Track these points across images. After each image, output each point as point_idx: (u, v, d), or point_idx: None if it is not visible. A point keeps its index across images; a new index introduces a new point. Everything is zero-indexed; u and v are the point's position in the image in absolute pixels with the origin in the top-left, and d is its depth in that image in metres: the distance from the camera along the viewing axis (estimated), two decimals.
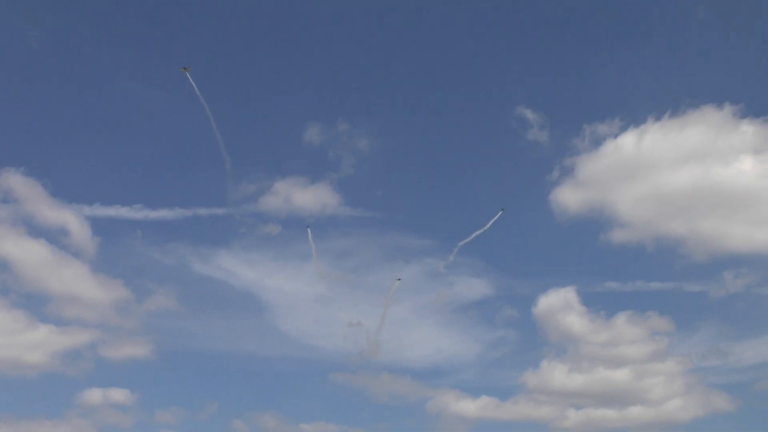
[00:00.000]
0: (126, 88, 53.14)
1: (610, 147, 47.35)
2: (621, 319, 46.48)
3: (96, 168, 50.93)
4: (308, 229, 43.57)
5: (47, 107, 52.14)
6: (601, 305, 47.60)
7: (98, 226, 45.92)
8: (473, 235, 43.74)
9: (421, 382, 45.57)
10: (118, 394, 43.01)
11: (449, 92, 54.55)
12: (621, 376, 45.47)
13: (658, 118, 47.08)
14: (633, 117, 48.69)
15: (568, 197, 47.46)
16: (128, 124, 53.20)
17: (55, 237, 45.89)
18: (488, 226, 43.15)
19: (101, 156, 51.68)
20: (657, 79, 51.36)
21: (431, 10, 55.54)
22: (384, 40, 55.10)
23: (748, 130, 45.93)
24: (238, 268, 47.28)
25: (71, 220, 45.71)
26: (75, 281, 45.89)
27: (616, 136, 47.19)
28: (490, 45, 54.86)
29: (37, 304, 45.80)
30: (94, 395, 42.90)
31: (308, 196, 46.30)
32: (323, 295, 47.27)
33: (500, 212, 43.21)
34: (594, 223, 47.89)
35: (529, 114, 49.32)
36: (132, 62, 53.71)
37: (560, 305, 47.20)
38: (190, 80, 37.06)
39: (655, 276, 48.86)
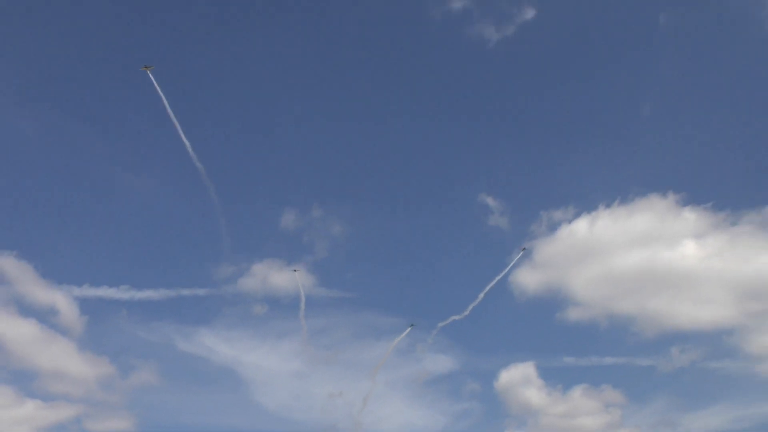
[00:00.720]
0: (114, 176, 56.17)
1: (564, 232, 50.93)
2: (577, 392, 49.46)
3: (85, 251, 53.92)
4: (301, 305, 46.00)
5: (39, 194, 54.97)
6: (558, 379, 50.75)
7: (86, 305, 48.94)
8: (451, 319, 46.58)
9: None
10: None
11: (416, 181, 57.94)
12: None
13: (608, 206, 50.70)
14: (586, 204, 51.71)
15: (527, 278, 50.46)
16: (115, 211, 56.02)
17: (45, 316, 48.83)
18: (467, 311, 46.23)
19: (90, 240, 54.73)
20: (607, 170, 54.93)
21: (399, 109, 59.33)
22: (355, 135, 58.65)
23: (690, 216, 50.39)
24: (218, 345, 50.12)
25: (60, 300, 48.81)
26: (62, 358, 48.80)
27: (570, 221, 50.76)
28: (455, 137, 58.43)
29: (25, 380, 48.40)
30: None
31: (284, 278, 49.13)
32: (300, 371, 50.12)
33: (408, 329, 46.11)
34: (551, 303, 50.67)
35: (491, 201, 52.68)
36: (121, 151, 56.80)
37: (520, 379, 50.15)
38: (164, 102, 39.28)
39: (608, 351, 51.49)
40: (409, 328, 46.30)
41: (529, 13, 56.03)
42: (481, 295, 47.65)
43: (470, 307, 46.70)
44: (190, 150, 42.36)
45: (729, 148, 55.28)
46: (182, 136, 41.99)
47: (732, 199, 52.62)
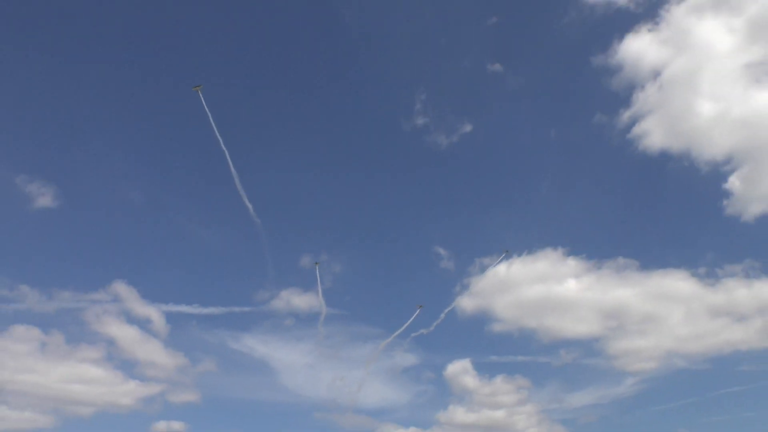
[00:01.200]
0: (189, 227, 69.90)
1: (491, 273, 59.71)
2: (499, 380, 59.52)
3: (170, 280, 66.11)
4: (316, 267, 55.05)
5: (141, 239, 68.25)
6: (486, 371, 60.36)
7: (170, 317, 60.51)
8: (420, 332, 54.50)
9: (372, 418, 58.99)
10: (178, 426, 56.51)
11: (393, 236, 69.77)
12: (499, 415, 58.19)
13: (519, 255, 60.01)
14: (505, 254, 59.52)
15: (466, 304, 60.18)
16: (189, 251, 69.14)
17: (143, 324, 59.51)
18: (432, 327, 54.71)
19: (173, 272, 67.06)
20: (519, 230, 65.85)
21: (382, 189, 71.96)
22: (354, 205, 71.23)
23: (572, 263, 60.45)
24: (257, 345, 62.63)
25: (153, 313, 59.95)
26: (153, 353, 59.63)
27: (494, 266, 59.32)
28: (419, 208, 70.75)
29: (129, 367, 58.88)
30: (162, 426, 56.49)
31: (302, 300, 62.45)
32: (313, 363, 61.75)
33: (418, 309, 53.03)
34: (482, 320, 60.66)
35: (442, 251, 64.11)
36: (193, 207, 70.45)
37: (461, 370, 59.79)
38: (239, 188, 48.80)
39: (520, 352, 61.24)
40: (419, 310, 53.56)
41: (468, 127, 67.74)
42: (443, 315, 55.18)
43: (434, 324, 54.78)
44: (247, 203, 52.48)
45: (597, 217, 66.94)
46: (239, 188, 51.19)
47: (598, 252, 63.52)
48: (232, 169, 51.24)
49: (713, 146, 58.67)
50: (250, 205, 53.72)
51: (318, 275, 55.36)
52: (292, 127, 73.68)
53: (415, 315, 53.33)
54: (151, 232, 68.92)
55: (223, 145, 50.14)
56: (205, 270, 67.80)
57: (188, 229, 69.55)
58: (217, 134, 48.93)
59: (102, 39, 72.24)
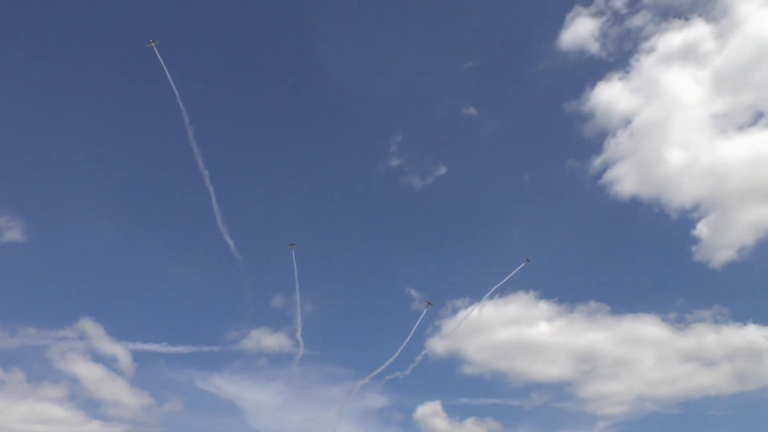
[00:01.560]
0: (162, 266, 69.15)
1: (462, 314, 59.53)
2: (469, 422, 58.09)
3: (138, 318, 65.28)
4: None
5: (110, 276, 67.79)
6: (456, 413, 58.92)
7: (137, 356, 59.58)
8: (396, 375, 54.54)
9: None
10: None
11: (366, 278, 69.45)
12: None
13: (491, 298, 58.01)
14: (476, 297, 59.24)
15: (437, 345, 59.77)
16: (161, 291, 68.16)
17: (109, 363, 58.63)
18: (408, 371, 54.93)
19: (141, 310, 66.26)
20: (492, 274, 62.76)
21: (357, 232, 71.56)
22: (327, 247, 70.08)
23: (544, 306, 60.99)
24: (225, 385, 61.41)
25: (120, 352, 58.95)
26: (118, 392, 58.54)
27: (466, 308, 59.80)
28: (393, 250, 70.66)
29: (92, 407, 57.74)
30: None
31: (273, 340, 62.00)
32: (282, 404, 60.75)
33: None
34: (453, 361, 60.30)
35: (414, 293, 63.46)
36: (171, 243, 69.85)
37: (431, 413, 58.99)
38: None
39: (491, 395, 60.18)
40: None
41: (443, 170, 68.71)
42: (419, 358, 55.40)
43: (411, 367, 55.04)
44: (228, 240, 53.23)
45: (569, 262, 66.50)
46: (220, 225, 52.05)
47: (569, 296, 62.16)
48: (215, 205, 51.94)
49: (682, 194, 60.39)
50: (231, 242, 54.12)
51: (295, 266, 54.37)
52: (271, 164, 74.13)
53: (421, 317, 54.75)
54: (123, 267, 68.64)
55: (208, 182, 50.93)
56: (177, 308, 67.32)
57: (161, 265, 69.41)
58: (201, 168, 49.74)
59: (83, 72, 73.04)
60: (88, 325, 59.56)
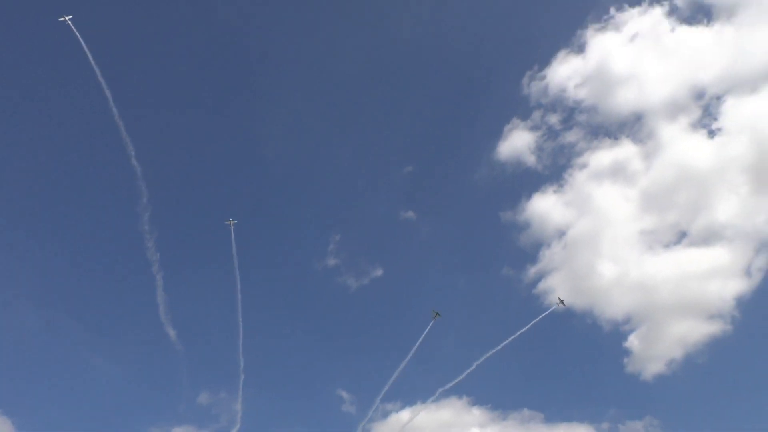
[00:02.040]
0: (85, 356, 66.00)
1: (393, 418, 60.60)
2: None
3: (51, 414, 61.91)
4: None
5: (26, 367, 64.09)
6: None
7: None
8: None
9: None
10: None
11: (296, 380, 68.32)
12: None
13: (424, 402, 59.50)
14: (409, 400, 61.36)
15: None
16: (77, 385, 64.60)
17: None
18: None
19: (56, 405, 62.84)
20: (425, 378, 64.04)
21: (292, 329, 70.61)
22: (249, 342, 64.95)
23: (476, 412, 61.99)
24: None
25: None
26: None
27: (398, 411, 60.84)
28: (325, 351, 69.92)
29: None
30: None
31: None
32: None
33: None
34: None
35: (345, 394, 64.16)
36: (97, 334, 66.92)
37: None
38: None
39: None
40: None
41: (379, 271, 69.46)
42: None
43: None
44: (170, 330, 54.35)
45: (503, 369, 64.40)
46: (162, 316, 53.33)
47: (503, 403, 62.82)
48: (160, 295, 51.42)
49: (613, 306, 62.78)
50: (173, 332, 54.41)
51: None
52: (208, 258, 71.69)
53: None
54: (41, 356, 65.30)
55: (155, 269, 49.69)
56: (96, 402, 64.38)
57: (84, 355, 66.52)
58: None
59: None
60: None
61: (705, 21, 68.36)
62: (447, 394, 61.34)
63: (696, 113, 66.27)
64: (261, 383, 66.33)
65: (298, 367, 69.37)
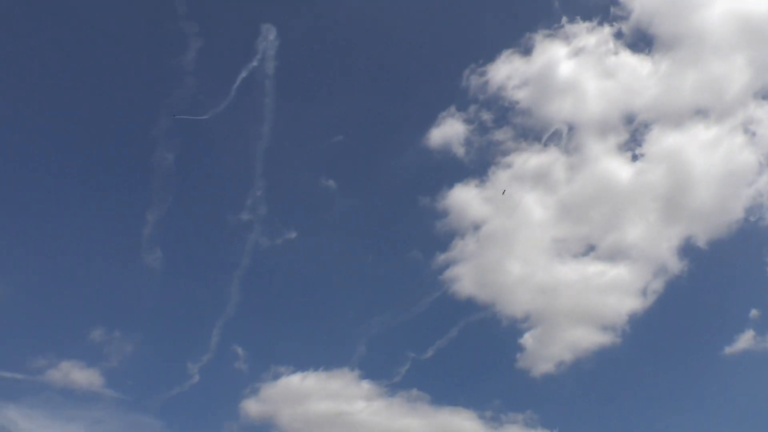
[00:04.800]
0: None
1: (283, 381, 61.11)
2: None
3: None
4: None
5: None
6: None
7: None
8: None
9: None
10: None
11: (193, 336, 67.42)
12: None
13: (315, 370, 61.69)
14: (302, 366, 62.40)
15: (252, 408, 60.20)
16: None
17: None
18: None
19: None
20: (320, 349, 65.97)
21: None
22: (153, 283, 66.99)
23: (365, 386, 62.11)
24: (21, 420, 55.95)
25: None
26: None
27: (288, 375, 61.37)
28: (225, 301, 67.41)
29: None
30: None
31: (83, 376, 58.60)
32: None
33: None
34: (265, 428, 60.05)
35: (240, 351, 63.35)
36: None
37: None
38: None
39: None
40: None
41: (293, 234, 68.64)
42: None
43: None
44: None
45: (397, 348, 65.67)
46: None
47: (392, 381, 62.99)
48: None
49: (515, 304, 64.74)
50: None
51: None
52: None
53: None
54: None
55: None
56: None
57: None
58: None
59: None
60: None
61: (646, 50, 70.62)
62: (338, 364, 63.24)
63: (623, 136, 68.91)
64: (157, 327, 65.50)
65: (197, 318, 67.32)
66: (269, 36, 67.30)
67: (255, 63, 67.13)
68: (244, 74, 67.41)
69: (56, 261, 66.66)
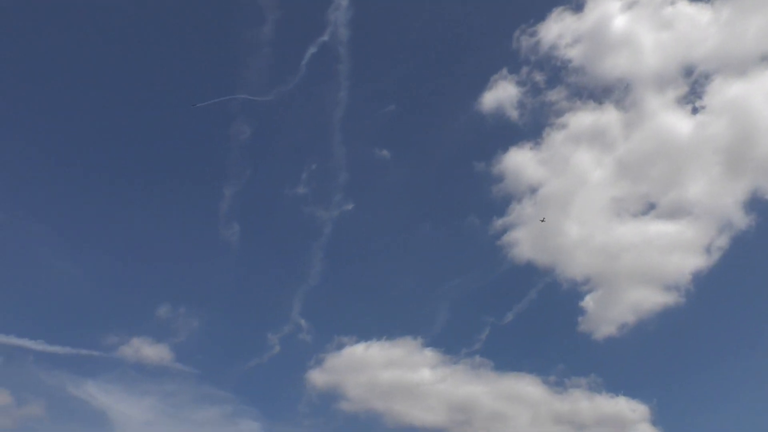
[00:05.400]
0: (47, 255, 66.33)
1: (347, 351, 61.98)
2: None
3: (9, 310, 62.07)
4: None
5: None
6: None
7: (3, 350, 57.83)
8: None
9: None
10: None
11: (254, 301, 69.74)
12: None
13: (378, 339, 62.23)
14: (364, 336, 62.97)
15: (317, 378, 61.38)
16: (44, 285, 64.91)
17: None
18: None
19: (16, 302, 63.20)
20: (382, 318, 66.66)
21: None
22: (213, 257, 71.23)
23: (428, 354, 62.43)
24: (98, 393, 58.84)
25: None
26: None
27: (352, 345, 62.30)
28: (286, 274, 69.99)
29: None
30: None
31: (153, 351, 61.14)
32: (153, 420, 59.16)
33: None
34: (331, 396, 61.23)
35: (303, 323, 64.22)
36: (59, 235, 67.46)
37: None
38: None
39: None
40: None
41: (350, 205, 69.54)
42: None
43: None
44: None
45: (459, 315, 66.64)
46: None
47: (455, 348, 63.37)
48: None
49: (575, 266, 63.90)
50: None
51: None
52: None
53: None
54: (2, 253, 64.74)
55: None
56: (57, 304, 64.24)
57: (46, 256, 66.27)
58: None
59: None
60: None
61: None
62: (402, 333, 63.73)
63: (683, 89, 66.64)
64: (219, 302, 67.72)
65: (259, 291, 69.61)
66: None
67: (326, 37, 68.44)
68: (313, 49, 68.98)
69: (133, 239, 69.71)
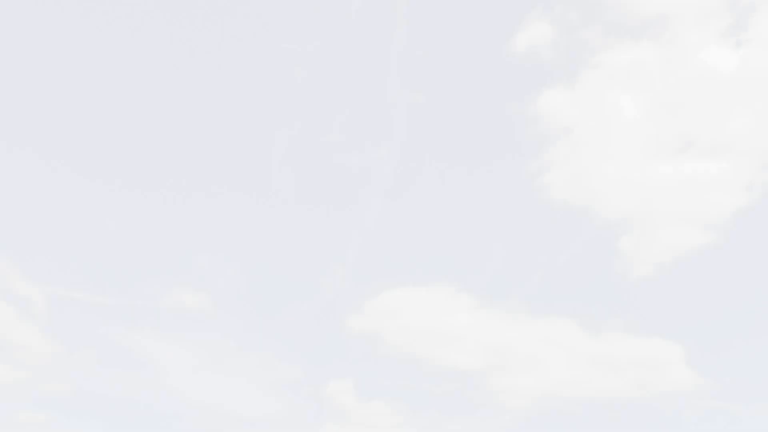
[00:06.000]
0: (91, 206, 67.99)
1: (385, 295, 58.28)
2: (377, 402, 54.69)
3: (59, 261, 63.28)
4: None
5: (31, 219, 64.86)
6: (366, 392, 55.16)
7: (54, 300, 53.23)
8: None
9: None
10: (43, 417, 49.81)
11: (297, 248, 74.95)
12: None
13: (414, 284, 58.86)
14: (400, 280, 59.78)
15: (355, 324, 56.93)
16: (87, 238, 66.32)
17: (19, 304, 51.92)
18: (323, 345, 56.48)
19: (64, 254, 64.84)
20: (417, 259, 61.69)
21: None
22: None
23: (464, 298, 59.25)
24: (146, 342, 55.22)
25: (35, 294, 52.10)
26: (26, 336, 51.07)
27: (389, 289, 58.32)
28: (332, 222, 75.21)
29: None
30: (24, 417, 48.65)
31: (196, 300, 57.50)
32: (199, 366, 59.91)
33: None
34: (369, 342, 57.18)
35: (341, 267, 60.68)
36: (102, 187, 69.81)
37: (341, 390, 54.97)
38: None
39: (402, 378, 56.63)
40: None
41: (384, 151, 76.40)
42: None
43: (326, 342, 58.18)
44: None
45: (494, 259, 62.67)
46: None
47: (490, 291, 60.11)
48: None
49: (611, 207, 62.79)
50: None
51: None
52: None
53: None
54: (49, 206, 64.33)
55: None
56: (103, 256, 64.61)
57: (93, 208, 66.25)
58: None
59: None
60: (2, 263, 53.50)
61: None
62: (439, 278, 62.13)
63: (725, 21, 63.84)
64: (261, 248, 68.12)
65: (301, 236, 69.63)
66: None
67: None
68: None
69: (179, 185, 68.84)
